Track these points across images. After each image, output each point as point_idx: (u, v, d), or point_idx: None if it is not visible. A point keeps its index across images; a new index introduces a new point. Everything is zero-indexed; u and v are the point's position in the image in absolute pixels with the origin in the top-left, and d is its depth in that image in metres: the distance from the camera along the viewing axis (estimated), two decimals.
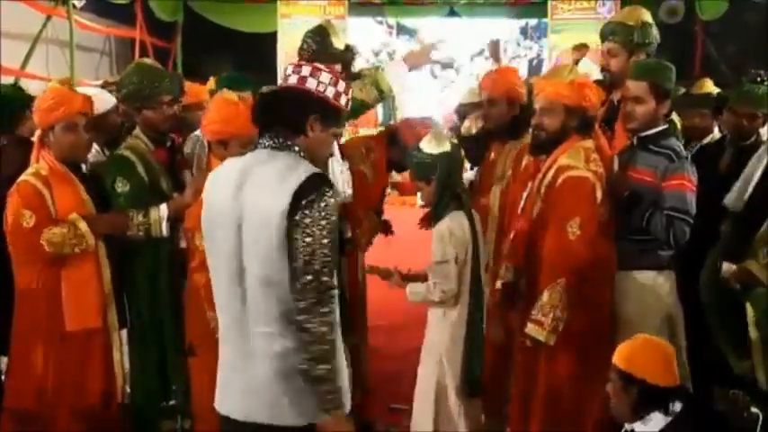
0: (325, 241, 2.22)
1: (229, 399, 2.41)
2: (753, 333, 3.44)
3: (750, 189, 3.70)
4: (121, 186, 3.46)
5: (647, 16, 3.70)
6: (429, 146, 3.21)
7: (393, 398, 4.42)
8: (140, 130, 3.61)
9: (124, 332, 3.52)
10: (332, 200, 2.26)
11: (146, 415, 3.61)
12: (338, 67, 3.59)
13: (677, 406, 2.48)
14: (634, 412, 2.50)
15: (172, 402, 3.52)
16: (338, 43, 3.63)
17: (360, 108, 3.60)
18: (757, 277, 3.39)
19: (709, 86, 4.53)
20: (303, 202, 2.21)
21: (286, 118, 2.37)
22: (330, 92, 2.37)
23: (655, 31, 3.68)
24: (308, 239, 2.21)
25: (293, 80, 2.38)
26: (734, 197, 3.74)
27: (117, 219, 3.42)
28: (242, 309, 2.33)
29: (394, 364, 4.78)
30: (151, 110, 3.57)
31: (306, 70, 2.38)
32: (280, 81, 2.43)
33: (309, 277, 2.21)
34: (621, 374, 2.50)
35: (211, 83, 4.39)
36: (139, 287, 3.55)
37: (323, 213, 2.22)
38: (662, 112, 3.32)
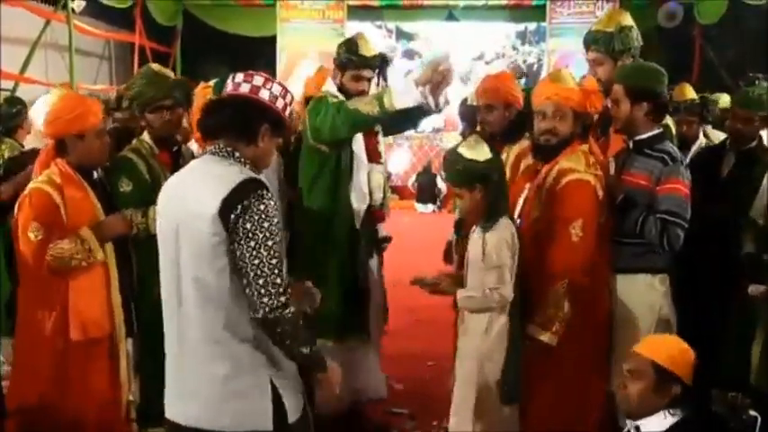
0: (270, 243, 2.21)
1: (171, 403, 2.42)
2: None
3: None
4: (125, 186, 3.52)
5: (626, 20, 3.69)
6: (471, 152, 3.08)
7: (394, 400, 4.42)
8: (147, 132, 3.66)
9: (130, 341, 3.48)
10: (270, 201, 2.25)
11: (156, 419, 3.61)
12: (368, 73, 3.91)
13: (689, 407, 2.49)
14: (660, 409, 2.47)
15: None
16: (366, 51, 3.90)
17: (368, 122, 3.76)
18: None
19: (690, 92, 4.50)
20: (238, 208, 2.21)
21: (240, 127, 2.36)
22: (280, 103, 2.40)
23: (635, 34, 3.66)
24: (251, 243, 2.20)
25: (245, 89, 2.38)
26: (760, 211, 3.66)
27: (121, 223, 3.41)
28: (178, 312, 2.34)
29: (395, 367, 4.78)
30: (152, 114, 3.62)
31: (258, 80, 2.38)
32: (228, 89, 2.42)
33: (261, 281, 2.20)
34: (661, 371, 2.45)
35: (202, 87, 4.37)
36: (146, 291, 3.55)
37: (263, 216, 2.22)
38: (641, 113, 3.28)
